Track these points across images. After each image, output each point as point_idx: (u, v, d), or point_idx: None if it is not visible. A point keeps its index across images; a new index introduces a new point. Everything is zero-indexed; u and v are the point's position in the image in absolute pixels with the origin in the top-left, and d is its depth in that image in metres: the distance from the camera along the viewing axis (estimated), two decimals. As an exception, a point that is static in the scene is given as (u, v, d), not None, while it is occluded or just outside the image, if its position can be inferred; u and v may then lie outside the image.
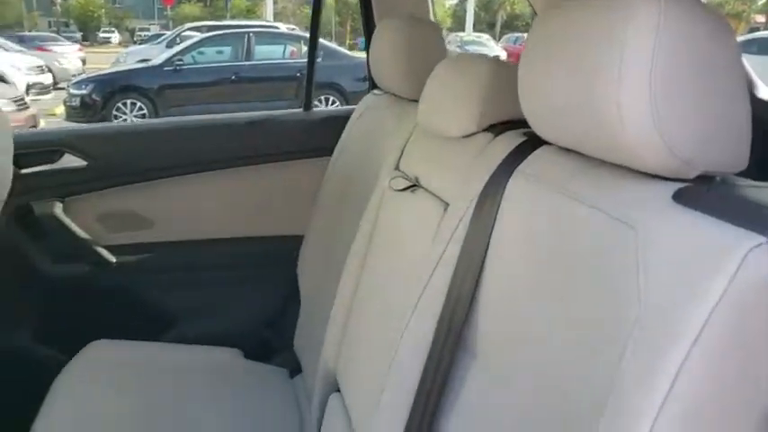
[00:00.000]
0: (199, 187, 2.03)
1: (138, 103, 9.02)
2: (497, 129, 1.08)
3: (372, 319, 1.25)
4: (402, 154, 1.39)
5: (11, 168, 1.60)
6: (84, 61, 15.65)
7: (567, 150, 0.85)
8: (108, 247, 1.97)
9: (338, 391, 1.37)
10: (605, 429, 0.61)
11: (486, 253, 0.92)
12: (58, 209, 1.91)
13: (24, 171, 1.85)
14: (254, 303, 2.05)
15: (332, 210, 1.76)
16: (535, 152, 0.93)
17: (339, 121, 1.89)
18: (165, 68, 9.20)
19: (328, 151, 1.89)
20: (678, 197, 0.66)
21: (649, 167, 0.70)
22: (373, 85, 1.94)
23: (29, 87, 10.30)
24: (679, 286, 0.59)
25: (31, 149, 1.86)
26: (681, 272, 0.60)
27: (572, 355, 0.71)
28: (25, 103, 7.60)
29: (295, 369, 1.78)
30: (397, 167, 1.38)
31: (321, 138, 1.99)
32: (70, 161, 1.92)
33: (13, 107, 7.10)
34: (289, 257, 1.96)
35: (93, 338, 1.80)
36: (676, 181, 0.69)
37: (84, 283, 1.94)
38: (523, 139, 0.99)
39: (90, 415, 1.50)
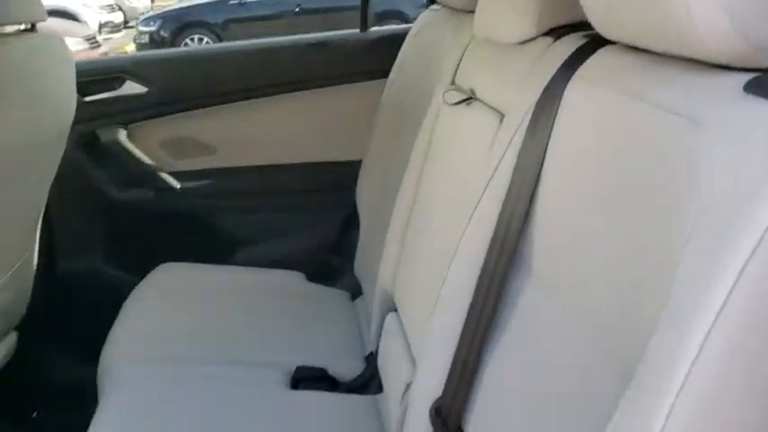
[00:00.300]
0: (258, 113, 2.03)
1: (205, 39, 9.09)
2: (557, 33, 1.02)
3: (427, 238, 1.23)
4: (458, 68, 1.33)
5: (74, 96, 1.63)
6: (152, -1, 15.80)
7: (630, 49, 0.79)
8: (171, 173, 2.00)
9: (396, 311, 1.37)
10: (657, 342, 0.57)
11: (542, 164, 0.87)
12: (122, 135, 1.95)
13: (88, 99, 1.88)
14: (316, 228, 2.06)
15: (388, 132, 1.73)
16: (596, 54, 0.87)
17: (397, 40, 1.84)
18: (230, 3, 9.20)
19: (386, 73, 1.85)
20: (749, 87, 0.60)
21: (718, 57, 0.63)
22: (431, 1, 1.87)
23: (100, 26, 10.49)
24: (746, 185, 0.54)
25: (93, 77, 1.89)
26: (750, 168, 0.54)
27: (629, 267, 0.67)
28: (97, 42, 7.77)
29: (356, 292, 1.79)
30: (452, 82, 1.33)
31: (379, 59, 1.95)
32: (132, 88, 1.94)
33: (85, 45, 7.26)
34: (349, 182, 1.96)
35: (160, 262, 1.86)
36: (747, 71, 0.63)
37: (149, 209, 1.99)
38: (584, 41, 0.92)
39: (159, 332, 1.56)
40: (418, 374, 1.01)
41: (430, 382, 0.96)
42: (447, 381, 0.93)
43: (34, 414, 1.82)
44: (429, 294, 1.05)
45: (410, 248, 1.33)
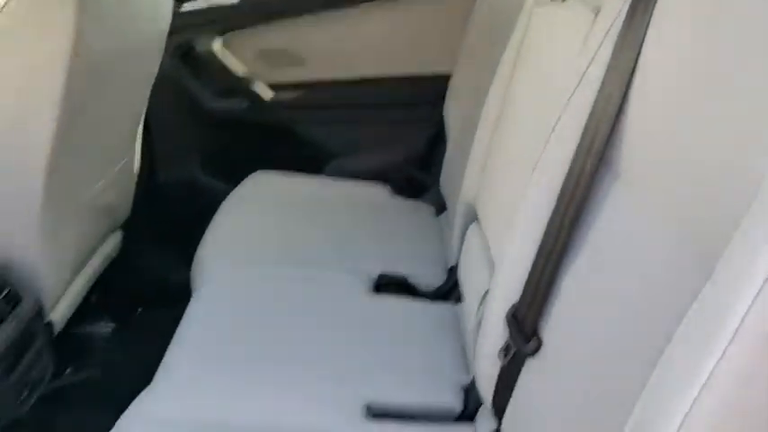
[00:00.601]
0: (350, 25, 2.01)
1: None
2: None
3: (513, 146, 1.21)
4: None
5: (171, 4, 1.66)
6: None
7: None
8: (264, 84, 2.03)
9: (478, 222, 1.36)
10: (740, 244, 0.54)
11: (636, 62, 0.83)
12: (217, 45, 1.98)
13: (183, 9, 1.92)
14: (403, 142, 2.06)
15: (479, 44, 1.68)
16: None
17: None
18: None
19: None
20: None
21: None
22: None
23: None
24: None
25: None
26: None
27: (721, 173, 0.63)
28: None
29: (441, 207, 1.80)
30: (547, -17, 1.27)
31: None
32: None
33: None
34: (438, 96, 1.93)
35: (252, 171, 1.91)
36: None
37: (243, 119, 2.04)
38: None
39: (248, 236, 1.62)
40: (496, 280, 1.01)
41: (507, 288, 0.96)
42: (525, 286, 0.92)
43: (138, 311, 1.94)
44: (511, 202, 1.04)
45: (495, 158, 1.31)
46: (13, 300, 1.27)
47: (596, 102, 0.87)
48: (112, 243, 1.75)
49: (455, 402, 1.14)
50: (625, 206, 0.82)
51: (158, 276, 1.94)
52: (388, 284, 1.47)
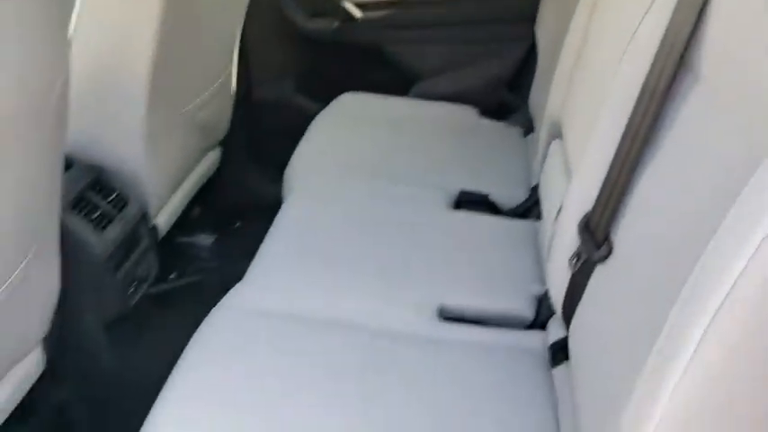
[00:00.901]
0: None
1: None
2: None
3: (596, 57, 1.18)
4: None
5: None
6: None
7: None
8: (355, 4, 2.05)
9: (561, 137, 1.35)
10: None
11: None
12: (309, -35, 2.00)
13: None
14: (494, 62, 2.03)
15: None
16: None
17: None
18: None
19: None
20: None
21: None
22: None
23: None
24: None
25: None
26: None
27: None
28: None
29: (528, 128, 1.78)
30: None
31: None
32: None
33: None
34: (528, 15, 1.89)
35: (342, 91, 1.95)
36: None
37: (334, 39, 2.06)
38: None
39: (336, 153, 1.68)
40: (572, 189, 1.01)
41: (582, 196, 0.96)
42: (599, 193, 0.92)
43: (237, 224, 2.06)
44: (592, 112, 1.03)
45: (581, 71, 1.28)
46: (121, 203, 1.39)
47: (679, 3, 0.84)
48: (211, 159, 1.85)
49: (527, 310, 1.17)
50: (704, 110, 0.80)
51: (254, 191, 2.04)
52: (470, 202, 1.49)
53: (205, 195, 1.81)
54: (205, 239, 1.96)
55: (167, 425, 0.94)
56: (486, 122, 1.88)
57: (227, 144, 1.91)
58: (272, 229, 1.35)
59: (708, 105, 0.79)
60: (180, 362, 1.03)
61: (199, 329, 1.09)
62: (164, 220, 1.56)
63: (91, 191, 1.34)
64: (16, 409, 1.11)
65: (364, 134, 1.76)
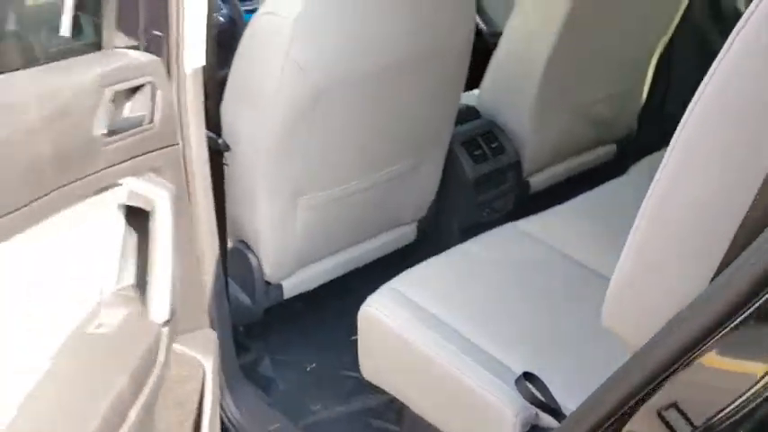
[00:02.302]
0: None
1: None
2: None
3: None
4: None
5: None
6: None
7: None
8: None
9: None
10: None
11: None
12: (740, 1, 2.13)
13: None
14: None
15: None
16: None
17: None
18: None
19: None
20: None
21: None
22: None
23: None
24: None
25: None
26: None
27: None
28: None
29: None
30: None
31: None
32: None
33: None
34: None
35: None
36: None
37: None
38: None
39: None
40: None
41: None
42: None
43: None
44: None
45: None
46: (498, 151, 1.90)
47: None
48: (603, 151, 2.19)
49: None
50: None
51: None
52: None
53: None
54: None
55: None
56: None
57: (622, 143, 2.22)
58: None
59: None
60: None
61: None
62: (539, 180, 2.02)
63: (480, 136, 1.89)
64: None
65: None
